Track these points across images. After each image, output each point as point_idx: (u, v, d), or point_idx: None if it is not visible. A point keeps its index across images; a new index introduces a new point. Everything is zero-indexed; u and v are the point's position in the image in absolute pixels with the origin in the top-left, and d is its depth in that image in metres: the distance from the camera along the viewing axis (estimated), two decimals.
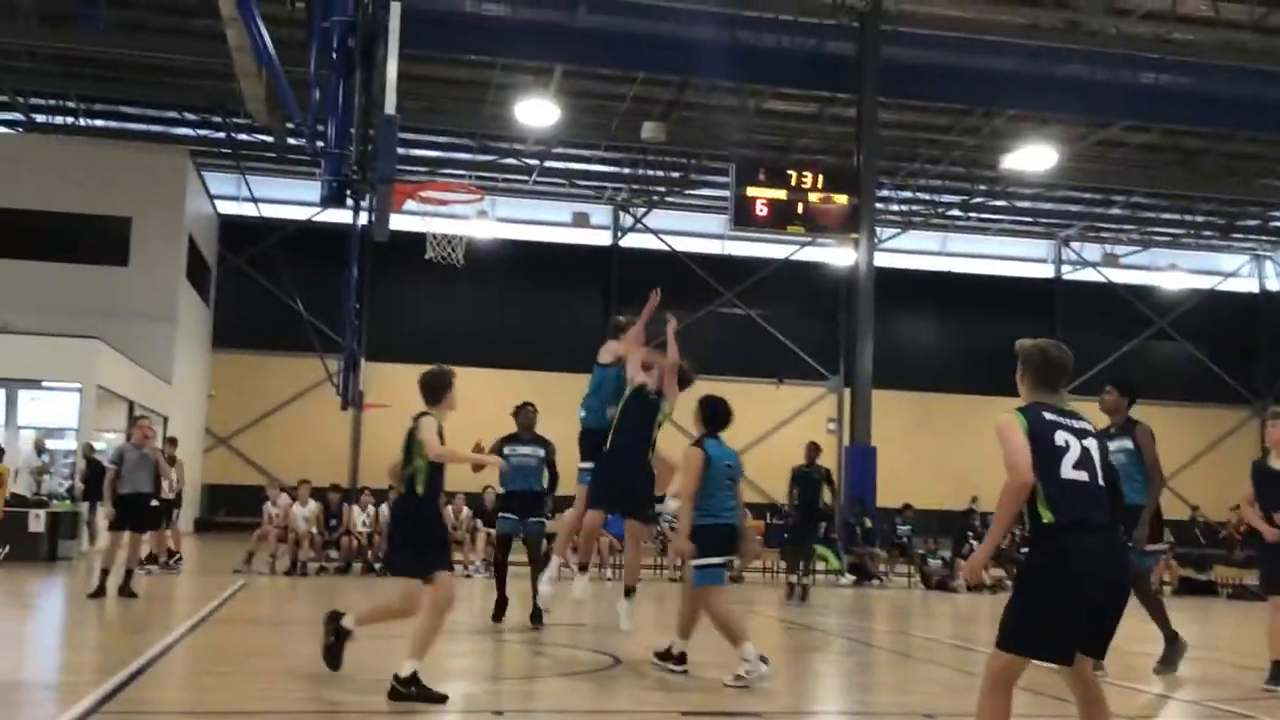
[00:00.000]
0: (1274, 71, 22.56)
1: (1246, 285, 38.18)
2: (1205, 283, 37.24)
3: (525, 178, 30.26)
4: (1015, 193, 31.45)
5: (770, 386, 32.30)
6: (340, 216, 22.38)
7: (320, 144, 10.66)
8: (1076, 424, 4.68)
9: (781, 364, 32.84)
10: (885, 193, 30.81)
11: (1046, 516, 4.51)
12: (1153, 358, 35.85)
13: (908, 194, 31.66)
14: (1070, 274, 36.12)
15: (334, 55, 10.57)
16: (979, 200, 31.97)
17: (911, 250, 34.42)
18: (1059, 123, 26.21)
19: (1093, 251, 35.61)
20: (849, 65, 21.97)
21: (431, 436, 6.64)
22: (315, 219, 28.81)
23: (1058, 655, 4.51)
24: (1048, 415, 4.66)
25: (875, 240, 29.91)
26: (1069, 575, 4.44)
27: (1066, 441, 4.60)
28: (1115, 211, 33.13)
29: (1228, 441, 36.81)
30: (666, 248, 32.50)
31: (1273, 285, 37.99)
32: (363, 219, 19.64)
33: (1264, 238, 35.46)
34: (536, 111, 24.05)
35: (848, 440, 23.32)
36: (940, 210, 32.50)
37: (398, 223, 11.22)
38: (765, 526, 19.16)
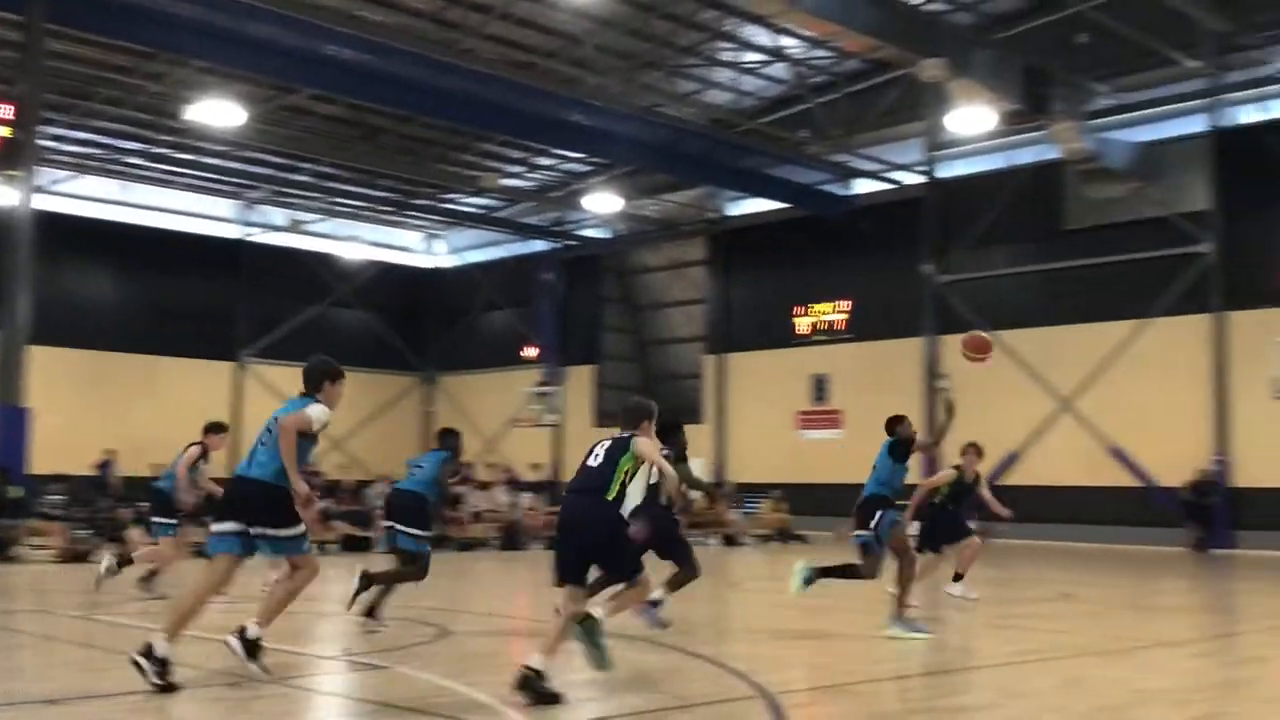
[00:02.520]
0: (451, 63, 24.13)
1: (419, 261, 41.16)
2: (383, 255, 39.45)
3: None
4: (203, 148, 30.41)
5: None
6: None
7: None
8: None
9: None
10: (57, 131, 28.07)
11: None
12: (335, 324, 37.17)
13: (84, 135, 29.15)
14: (257, 236, 36.04)
15: None
16: (164, 151, 30.46)
17: (87, 197, 31.88)
18: (247, 81, 25.73)
19: (280, 216, 35.86)
20: None
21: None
22: None
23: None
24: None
25: (43, 181, 27.29)
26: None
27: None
28: (302, 178, 33.58)
29: (398, 405, 39.44)
30: None
31: (442, 263, 41.41)
32: None
33: (436, 218, 38.41)
34: None
35: None
36: (120, 157, 30.40)
37: None
38: None
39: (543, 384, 36.04)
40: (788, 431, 32.29)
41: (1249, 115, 25.36)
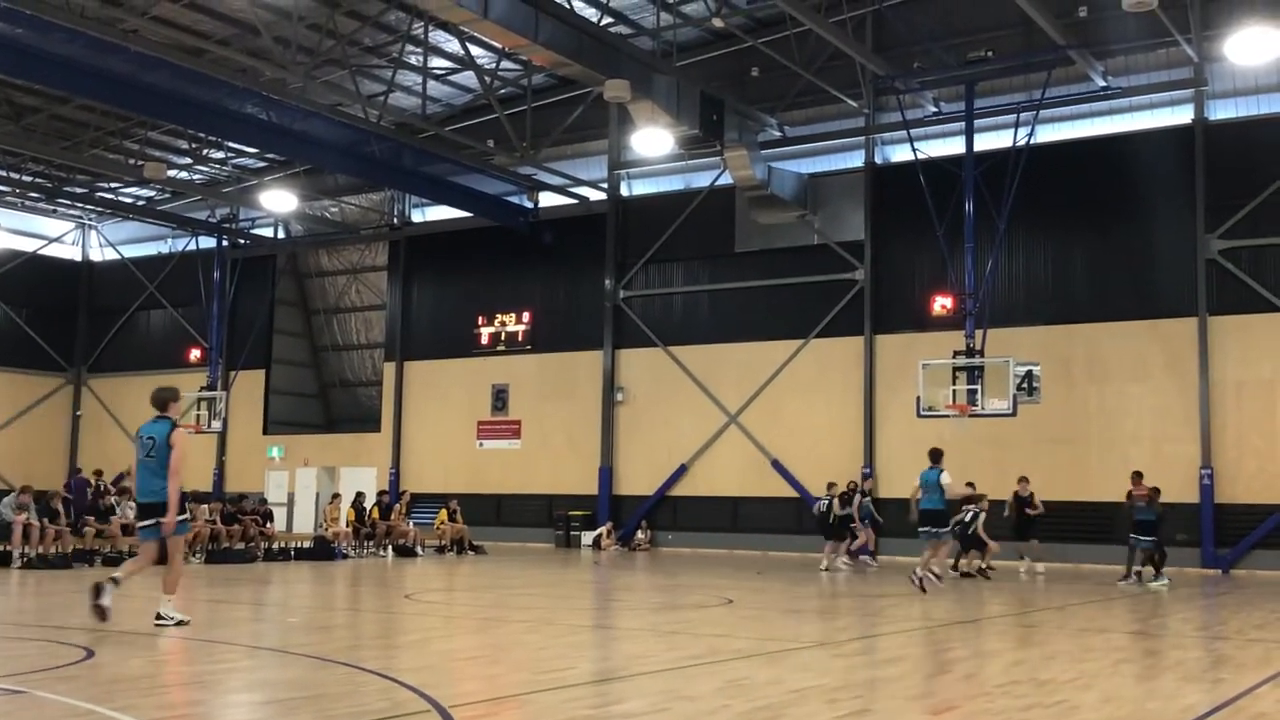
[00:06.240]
0: (113, 43, 22.56)
1: (69, 253, 38.15)
2: (26, 245, 36.31)
3: None
4: None
5: None
6: None
7: None
8: None
9: None
10: None
11: None
12: None
13: None
14: None
15: None
16: None
17: None
18: None
19: None
20: None
21: None
22: None
23: None
24: None
25: None
26: None
27: None
28: None
29: (42, 407, 36.40)
30: None
31: (95, 255, 38.53)
32: None
33: (90, 207, 35.72)
34: None
35: None
36: None
37: None
38: None
39: (207, 388, 34.18)
40: (466, 441, 32.13)
41: (900, 154, 27.54)
